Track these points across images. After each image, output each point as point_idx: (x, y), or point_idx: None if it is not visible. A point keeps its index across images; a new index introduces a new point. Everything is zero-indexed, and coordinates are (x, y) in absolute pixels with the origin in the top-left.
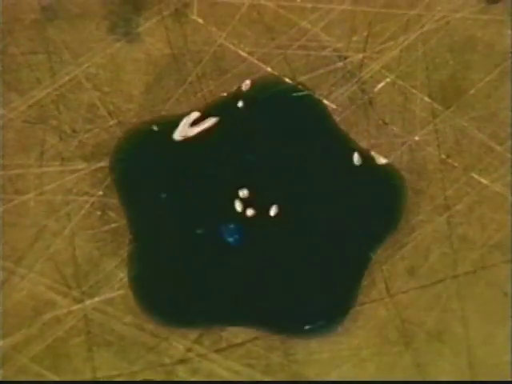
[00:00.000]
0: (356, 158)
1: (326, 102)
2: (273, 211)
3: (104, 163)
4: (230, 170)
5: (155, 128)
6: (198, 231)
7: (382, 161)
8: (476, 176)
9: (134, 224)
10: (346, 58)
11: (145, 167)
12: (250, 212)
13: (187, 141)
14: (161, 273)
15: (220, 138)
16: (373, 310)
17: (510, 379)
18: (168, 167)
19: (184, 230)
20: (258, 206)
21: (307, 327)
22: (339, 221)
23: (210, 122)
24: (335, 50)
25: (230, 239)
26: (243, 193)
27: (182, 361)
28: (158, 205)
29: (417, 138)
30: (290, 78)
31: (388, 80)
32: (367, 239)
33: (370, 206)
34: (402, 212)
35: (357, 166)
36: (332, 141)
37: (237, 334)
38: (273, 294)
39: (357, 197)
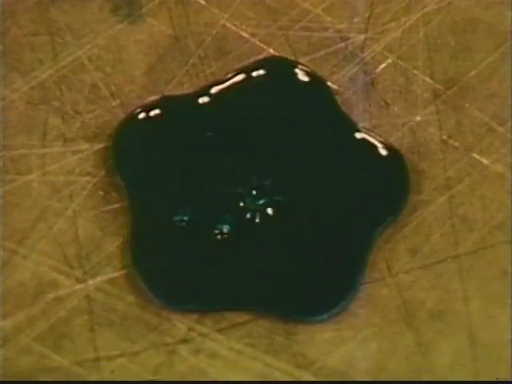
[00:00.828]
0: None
1: (327, 82)
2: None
3: (106, 144)
4: (229, 155)
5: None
6: (186, 218)
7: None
8: (477, 156)
9: (135, 205)
10: (347, 39)
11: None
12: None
13: (188, 123)
14: (161, 256)
15: (220, 122)
16: (374, 289)
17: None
18: (167, 151)
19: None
20: (258, 189)
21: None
22: (342, 203)
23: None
24: (337, 31)
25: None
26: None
27: (184, 340)
28: (159, 188)
29: (418, 119)
30: (292, 59)
31: (390, 61)
32: (369, 222)
33: (373, 188)
34: (405, 194)
35: (358, 149)
36: (334, 122)
37: (239, 313)
38: (275, 280)
39: (359, 179)
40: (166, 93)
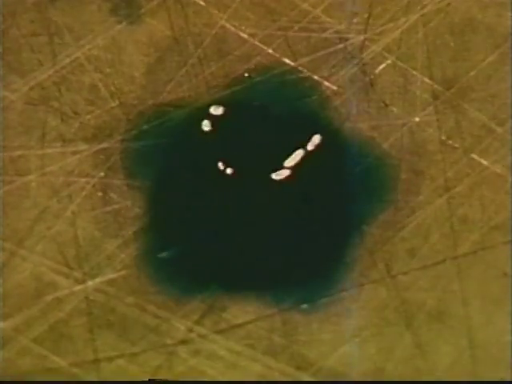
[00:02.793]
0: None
1: (326, 83)
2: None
3: (106, 144)
4: (225, 154)
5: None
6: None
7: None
8: (476, 157)
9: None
10: (346, 39)
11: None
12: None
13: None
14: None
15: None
16: (373, 290)
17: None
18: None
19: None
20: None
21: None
22: (333, 195)
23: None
24: (336, 31)
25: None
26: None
27: (183, 341)
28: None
29: (417, 120)
30: (290, 60)
31: (389, 62)
32: (359, 213)
33: (360, 180)
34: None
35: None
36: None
37: (237, 314)
38: (272, 268)
39: (347, 172)
40: (165, 93)
